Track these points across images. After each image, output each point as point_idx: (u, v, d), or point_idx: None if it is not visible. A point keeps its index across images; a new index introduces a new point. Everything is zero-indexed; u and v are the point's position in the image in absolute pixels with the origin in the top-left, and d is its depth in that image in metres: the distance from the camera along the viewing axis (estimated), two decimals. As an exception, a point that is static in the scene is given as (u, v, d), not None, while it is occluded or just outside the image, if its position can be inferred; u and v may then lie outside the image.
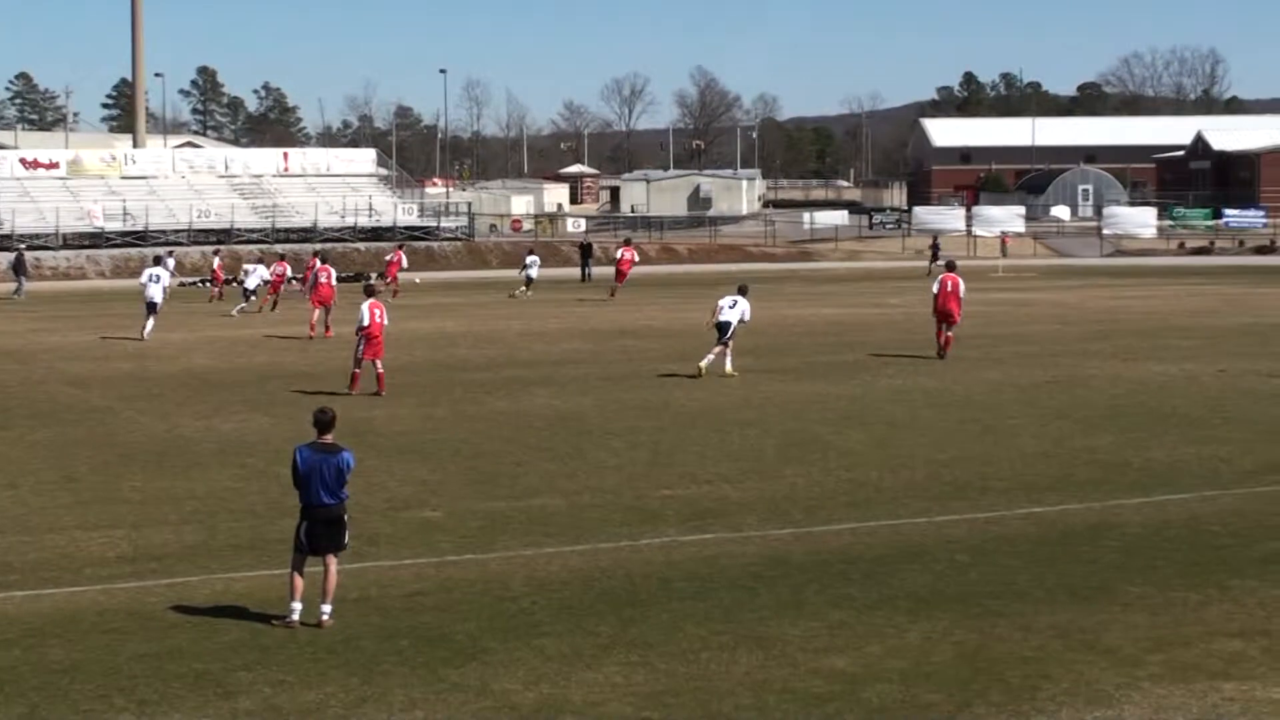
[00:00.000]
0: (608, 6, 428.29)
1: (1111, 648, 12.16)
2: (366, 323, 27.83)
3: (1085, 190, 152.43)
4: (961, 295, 34.31)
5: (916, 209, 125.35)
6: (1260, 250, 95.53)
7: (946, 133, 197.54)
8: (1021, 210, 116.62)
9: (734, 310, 31.13)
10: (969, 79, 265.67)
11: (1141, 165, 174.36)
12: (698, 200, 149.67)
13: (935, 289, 34.46)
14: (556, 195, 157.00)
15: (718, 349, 31.01)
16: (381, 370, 28.02)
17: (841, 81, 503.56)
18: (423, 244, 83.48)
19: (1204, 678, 11.41)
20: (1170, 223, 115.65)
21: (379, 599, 13.93)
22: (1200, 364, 32.24)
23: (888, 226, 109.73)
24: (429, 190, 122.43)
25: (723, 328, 30.95)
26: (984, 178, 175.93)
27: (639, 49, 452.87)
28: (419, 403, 27.07)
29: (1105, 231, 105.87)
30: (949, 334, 34.07)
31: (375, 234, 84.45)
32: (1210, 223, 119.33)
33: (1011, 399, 27.09)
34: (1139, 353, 34.73)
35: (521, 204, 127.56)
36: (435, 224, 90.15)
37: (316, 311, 39.52)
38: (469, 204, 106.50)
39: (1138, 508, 17.57)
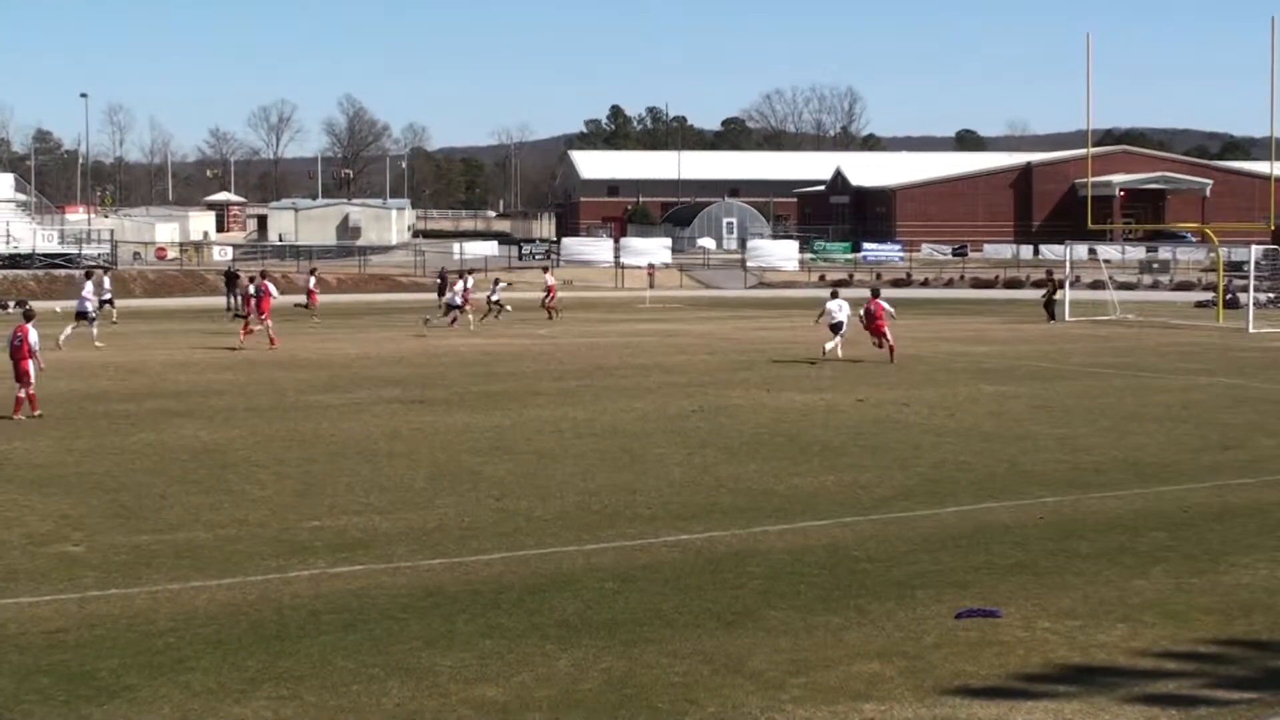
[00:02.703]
0: (255, 32, 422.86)
1: (756, 671, 12.40)
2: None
3: (730, 223, 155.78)
4: (890, 312, 41.96)
5: (565, 240, 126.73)
6: (897, 283, 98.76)
7: (594, 165, 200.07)
8: (668, 242, 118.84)
9: (843, 312, 41.59)
10: (616, 112, 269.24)
11: (784, 199, 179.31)
12: (346, 229, 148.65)
13: (863, 313, 41.71)
14: (202, 223, 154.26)
15: (836, 340, 41.21)
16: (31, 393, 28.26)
17: (491, 112, 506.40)
18: (63, 271, 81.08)
19: (845, 699, 11.71)
20: (811, 255, 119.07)
21: (18, 636, 13.47)
22: (840, 393, 33.16)
23: (537, 257, 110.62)
24: (69, 217, 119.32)
25: (836, 327, 41.34)
26: (631, 210, 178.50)
27: (287, 76, 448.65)
28: (60, 435, 26.29)
29: (749, 264, 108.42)
30: (891, 343, 41.11)
31: (13, 261, 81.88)
32: (850, 256, 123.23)
33: (658, 428, 27.47)
34: (782, 382, 35.56)
35: (166, 231, 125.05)
36: (76, 251, 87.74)
37: None
38: (111, 231, 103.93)
39: (781, 534, 17.96)
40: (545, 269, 74.29)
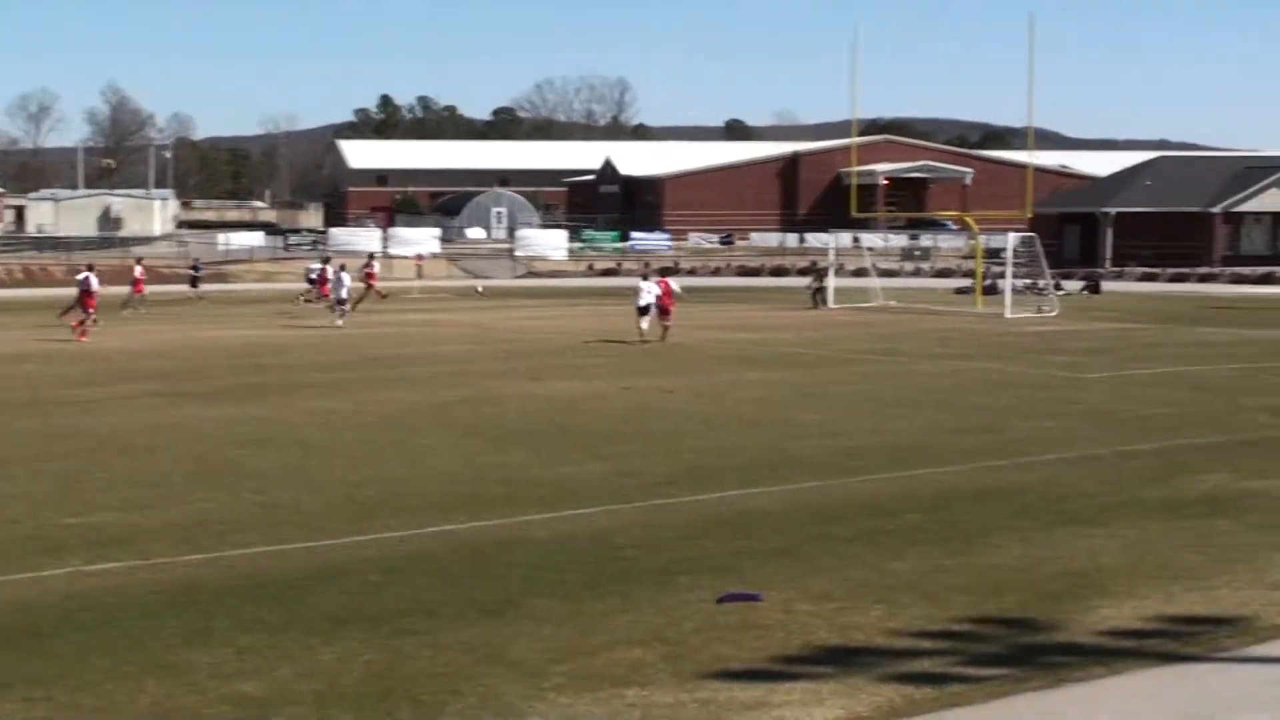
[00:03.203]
0: (12, 19, 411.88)
1: (518, 660, 12.41)
2: None
3: (499, 213, 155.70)
4: (675, 292, 45.68)
5: (333, 230, 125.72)
6: (664, 272, 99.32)
7: (363, 154, 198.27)
8: (437, 232, 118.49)
9: (650, 294, 44.62)
10: (385, 101, 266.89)
11: (553, 189, 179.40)
12: (108, 220, 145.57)
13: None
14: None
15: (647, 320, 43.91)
16: None
17: (258, 101, 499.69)
18: None
19: (607, 685, 11.76)
20: (580, 245, 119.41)
21: None
22: (606, 382, 33.32)
23: (304, 248, 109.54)
24: None
25: (644, 309, 44.21)
26: (400, 199, 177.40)
27: (47, 64, 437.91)
28: None
29: (518, 253, 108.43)
30: (667, 324, 44.29)
31: None
32: (618, 245, 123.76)
33: (425, 418, 27.36)
34: (549, 371, 35.64)
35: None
36: None
37: None
38: None
39: (546, 523, 17.99)
40: (370, 256, 73.59)
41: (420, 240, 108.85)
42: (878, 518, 18.17)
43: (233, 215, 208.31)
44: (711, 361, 38.40)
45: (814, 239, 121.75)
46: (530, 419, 27.30)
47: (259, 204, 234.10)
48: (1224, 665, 12.32)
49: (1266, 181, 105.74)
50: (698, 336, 46.75)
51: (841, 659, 12.39)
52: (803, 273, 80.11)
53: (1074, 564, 15.66)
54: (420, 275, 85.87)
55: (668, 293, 44.70)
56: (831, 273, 65.85)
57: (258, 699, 11.51)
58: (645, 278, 46.49)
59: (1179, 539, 16.87)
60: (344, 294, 53.83)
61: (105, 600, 14.37)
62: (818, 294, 63.26)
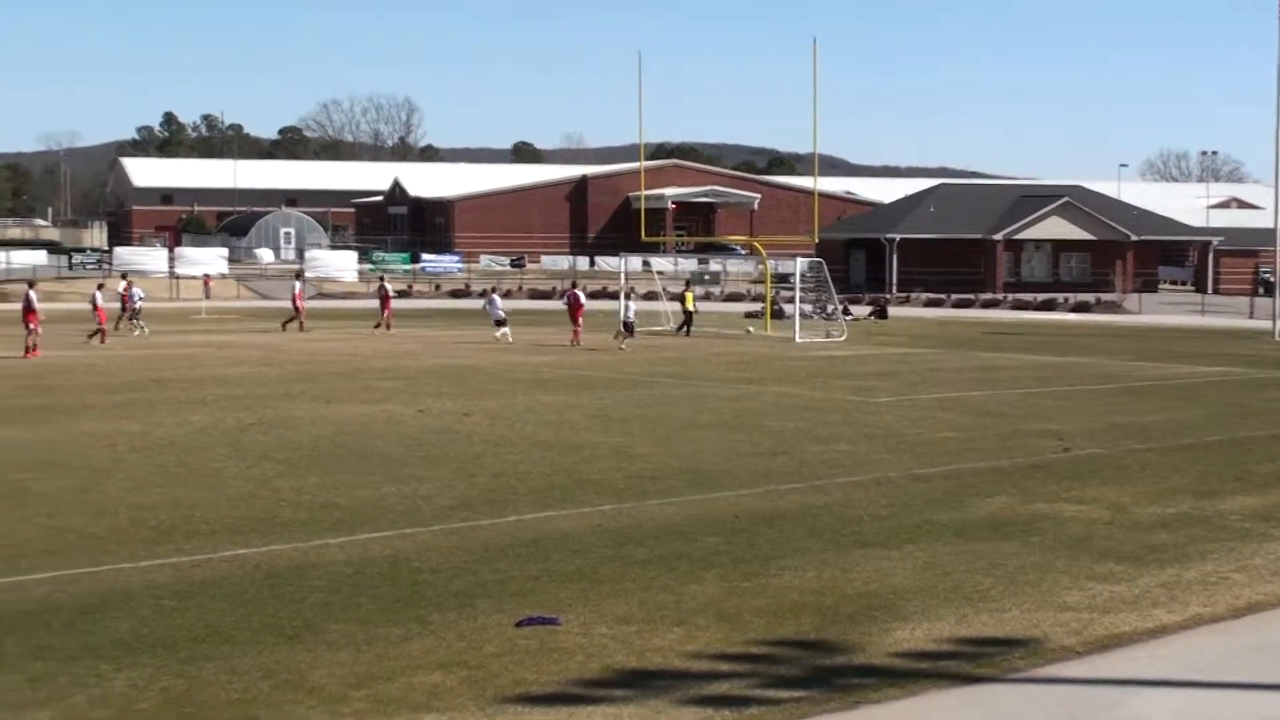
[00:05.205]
0: None
1: (317, 685, 12.31)
2: None
3: (288, 233, 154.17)
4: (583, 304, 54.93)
5: (118, 249, 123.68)
6: (455, 294, 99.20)
7: (147, 173, 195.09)
8: (225, 252, 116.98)
9: (630, 311, 55.10)
10: (170, 119, 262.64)
11: (342, 209, 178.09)
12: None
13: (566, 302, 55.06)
14: None
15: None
16: None
17: (37, 118, 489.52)
18: None
19: (406, 710, 11.71)
20: (371, 266, 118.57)
21: None
22: (400, 404, 33.15)
23: (88, 267, 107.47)
24: None
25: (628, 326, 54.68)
26: (186, 219, 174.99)
27: None
28: None
29: (307, 274, 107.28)
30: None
31: None
32: (409, 267, 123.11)
33: (217, 441, 27.00)
34: (342, 394, 35.37)
35: None
36: None
37: None
38: None
39: (342, 546, 17.86)
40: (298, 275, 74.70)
41: (207, 260, 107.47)
42: (675, 540, 18.30)
43: (14, 233, 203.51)
44: (506, 384, 38.40)
45: (604, 262, 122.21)
46: (324, 441, 27.07)
47: (41, 222, 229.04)
48: (1017, 685, 12.63)
49: (1047, 209, 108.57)
50: (493, 359, 46.73)
51: (641, 682, 12.47)
52: (595, 296, 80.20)
53: (868, 586, 15.92)
54: (208, 296, 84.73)
55: (578, 302, 54.76)
56: (623, 297, 66.02)
57: (51, 727, 11.29)
58: (628, 296, 56.18)
59: (970, 561, 17.24)
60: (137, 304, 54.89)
61: (-113, 628, 13.99)
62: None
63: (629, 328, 55.08)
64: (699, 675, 12.67)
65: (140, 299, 59.50)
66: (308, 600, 15.19)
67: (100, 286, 57.72)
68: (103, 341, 52.84)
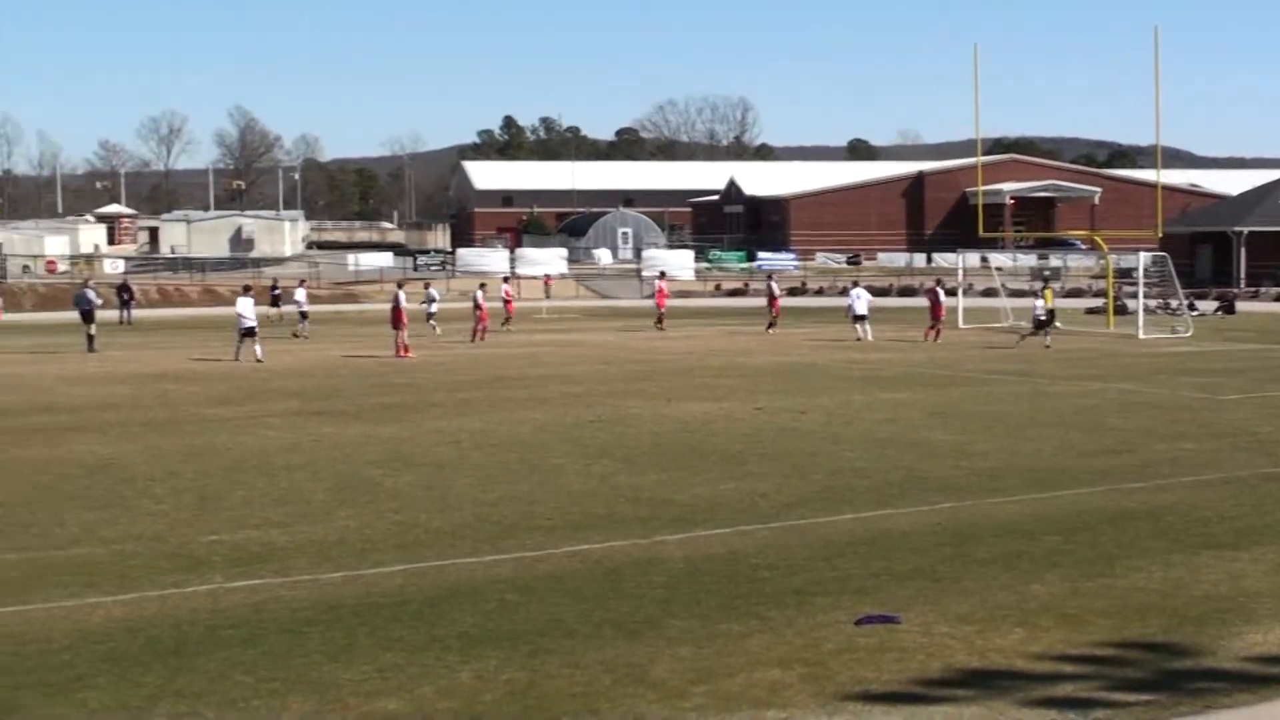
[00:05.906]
0: (143, 41, 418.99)
1: (658, 681, 12.40)
2: None
3: (625, 233, 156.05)
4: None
5: (460, 250, 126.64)
6: (792, 292, 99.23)
7: (488, 175, 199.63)
8: (564, 252, 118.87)
9: (862, 301, 55.75)
10: (509, 122, 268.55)
11: (678, 209, 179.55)
12: (240, 241, 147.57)
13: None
14: (93, 235, 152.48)
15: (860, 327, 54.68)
16: None
17: (383, 123, 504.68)
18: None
19: (747, 706, 11.73)
20: (707, 265, 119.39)
21: (-94, 658, 13.26)
22: (737, 402, 33.27)
23: (432, 268, 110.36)
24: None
25: (860, 318, 54.99)
26: (526, 220, 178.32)
27: (177, 86, 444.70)
28: (-53, 451, 25.94)
29: (645, 273, 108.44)
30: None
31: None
32: (745, 265, 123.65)
33: (556, 438, 27.45)
34: (680, 392, 35.64)
35: (57, 244, 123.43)
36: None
37: None
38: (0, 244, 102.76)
39: (680, 543, 17.98)
40: (505, 279, 76.08)
41: (547, 261, 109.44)
42: (1016, 539, 18.00)
43: (361, 236, 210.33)
44: (842, 381, 38.26)
45: (941, 258, 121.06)
46: (662, 439, 27.31)
47: (387, 225, 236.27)
48: (1378, 692, 12.10)
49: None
50: (828, 357, 46.61)
51: (983, 682, 12.29)
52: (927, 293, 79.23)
53: (1218, 588, 15.43)
54: (548, 295, 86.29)
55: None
56: (960, 293, 65.30)
57: (400, 715, 11.59)
58: (855, 285, 58.29)
59: (1325, 563, 16.58)
60: (434, 310, 57.69)
61: (248, 617, 14.54)
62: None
63: (1045, 322, 51.73)
64: (1042, 676, 12.43)
65: (436, 301, 59.90)
66: (647, 596, 15.31)
67: (482, 286, 59.20)
68: (482, 338, 54.58)
